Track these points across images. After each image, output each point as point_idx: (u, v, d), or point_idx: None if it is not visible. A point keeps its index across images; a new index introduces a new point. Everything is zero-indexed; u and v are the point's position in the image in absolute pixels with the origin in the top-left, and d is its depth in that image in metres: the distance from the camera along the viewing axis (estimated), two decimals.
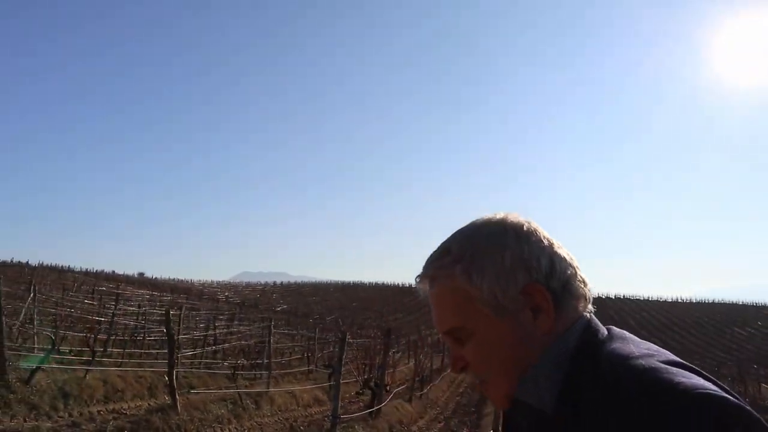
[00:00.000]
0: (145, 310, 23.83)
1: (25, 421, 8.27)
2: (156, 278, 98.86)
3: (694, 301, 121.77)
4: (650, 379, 1.08)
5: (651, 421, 1.03)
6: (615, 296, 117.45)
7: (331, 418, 9.17)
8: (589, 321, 1.25)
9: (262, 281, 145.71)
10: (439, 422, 16.82)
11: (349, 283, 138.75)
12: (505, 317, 1.22)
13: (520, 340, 1.22)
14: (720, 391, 1.07)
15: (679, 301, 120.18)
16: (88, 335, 11.91)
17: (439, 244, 1.31)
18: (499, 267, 1.22)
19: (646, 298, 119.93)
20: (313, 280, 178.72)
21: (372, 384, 12.88)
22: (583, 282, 1.27)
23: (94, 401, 9.94)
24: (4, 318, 8.97)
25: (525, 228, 1.25)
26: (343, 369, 9.84)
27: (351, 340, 12.85)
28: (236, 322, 27.78)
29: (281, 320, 43.62)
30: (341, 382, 17.67)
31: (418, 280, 1.32)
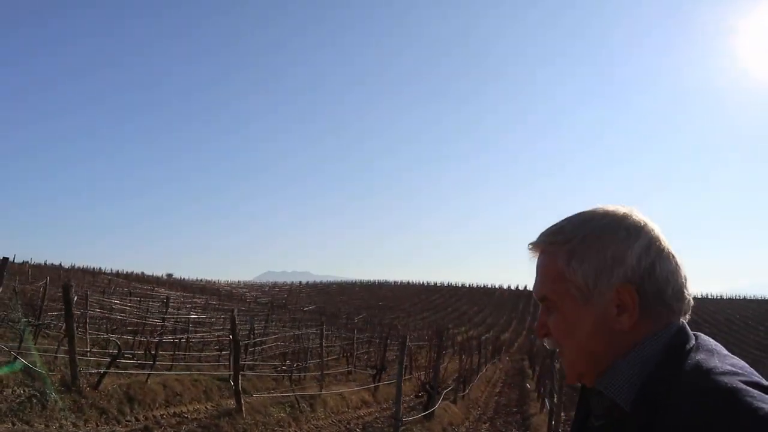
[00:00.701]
0: (191, 313, 24.13)
1: (97, 425, 8.44)
2: (184, 279, 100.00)
3: (725, 297, 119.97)
4: (731, 400, 1.09)
5: None
6: None
7: (393, 420, 9.18)
8: (680, 329, 1.26)
9: (287, 281, 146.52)
10: (484, 423, 16.81)
11: (374, 282, 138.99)
12: (589, 305, 1.28)
13: (599, 330, 1.27)
14: None
15: (709, 297, 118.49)
16: (147, 339, 12.09)
17: (561, 219, 1.37)
18: (600, 260, 1.27)
19: None
20: (338, 280, 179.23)
21: (427, 386, 12.91)
22: (680, 294, 1.29)
23: (157, 405, 10.10)
24: (75, 324, 9.14)
25: (639, 228, 1.29)
26: (389, 371, 9.90)
27: (410, 344, 12.91)
28: (273, 323, 28.06)
29: (312, 320, 43.84)
30: (387, 383, 17.84)
31: (530, 247, 1.39)
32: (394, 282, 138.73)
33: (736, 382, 1.12)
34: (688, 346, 1.23)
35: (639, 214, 1.32)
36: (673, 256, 1.29)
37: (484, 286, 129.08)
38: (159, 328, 15.36)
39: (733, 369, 1.16)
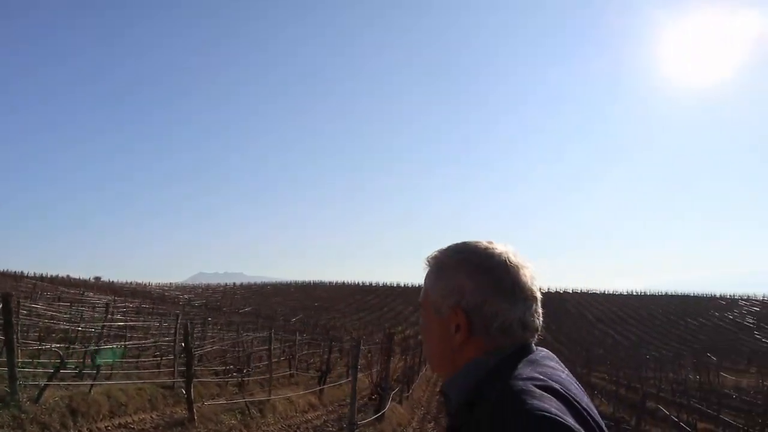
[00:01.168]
0: (126, 318, 23.24)
1: None
2: (113, 282, 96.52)
3: (648, 293, 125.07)
4: (512, 399, 1.36)
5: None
6: (573, 291, 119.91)
7: (348, 424, 9.13)
8: (524, 346, 1.54)
9: (220, 282, 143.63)
10: (429, 422, 16.98)
11: (309, 283, 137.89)
12: (439, 318, 1.58)
13: (442, 339, 1.57)
14: (567, 418, 1.33)
15: (634, 294, 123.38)
16: (86, 348, 11.58)
17: (450, 244, 1.65)
18: (448, 286, 1.57)
19: (602, 291, 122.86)
20: (272, 280, 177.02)
21: (379, 388, 12.91)
22: (507, 328, 1.53)
23: (101, 417, 9.69)
24: (14, 336, 8.65)
25: (488, 269, 1.55)
26: (332, 373, 9.77)
27: (364, 347, 12.86)
28: (209, 327, 27.42)
29: (249, 323, 43.23)
30: (331, 386, 17.73)
31: (424, 260, 1.69)
32: (329, 282, 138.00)
33: (528, 385, 1.39)
34: (520, 359, 1.50)
35: (507, 256, 1.56)
36: (517, 298, 1.53)
37: (418, 286, 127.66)
38: (97, 336, 14.74)
39: (536, 375, 1.43)
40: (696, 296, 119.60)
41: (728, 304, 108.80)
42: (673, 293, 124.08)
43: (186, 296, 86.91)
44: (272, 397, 13.01)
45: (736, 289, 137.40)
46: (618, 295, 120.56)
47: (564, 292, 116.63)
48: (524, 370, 1.45)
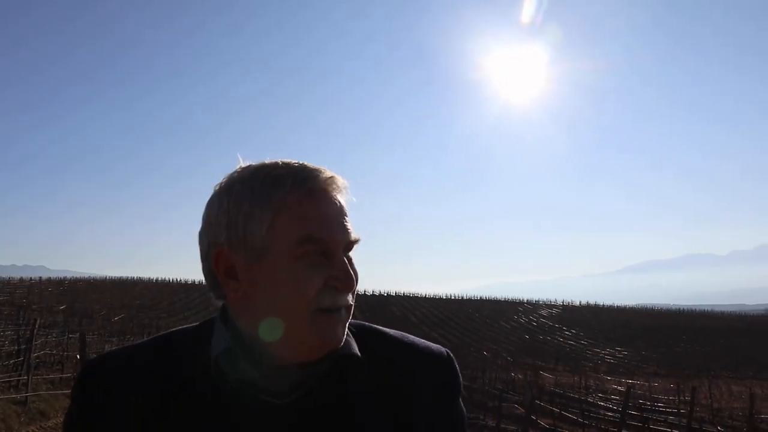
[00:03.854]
0: None
1: None
2: None
3: (465, 297, 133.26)
4: (424, 342, 1.29)
5: (447, 368, 1.26)
6: (396, 293, 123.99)
7: None
8: None
9: (18, 276, 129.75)
10: None
11: (127, 279, 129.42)
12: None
13: None
14: None
15: (453, 298, 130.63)
16: None
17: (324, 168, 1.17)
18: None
19: (424, 295, 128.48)
20: (82, 275, 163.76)
21: None
22: None
23: None
24: None
25: None
26: None
27: None
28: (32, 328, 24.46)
29: (68, 323, 39.60)
30: None
31: (336, 185, 1.19)
32: (149, 279, 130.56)
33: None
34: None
35: None
36: None
37: None
38: None
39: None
40: (506, 301, 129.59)
41: (534, 308, 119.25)
42: (487, 298, 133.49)
43: None
44: None
45: (541, 294, 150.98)
46: (438, 299, 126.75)
47: (387, 294, 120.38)
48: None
